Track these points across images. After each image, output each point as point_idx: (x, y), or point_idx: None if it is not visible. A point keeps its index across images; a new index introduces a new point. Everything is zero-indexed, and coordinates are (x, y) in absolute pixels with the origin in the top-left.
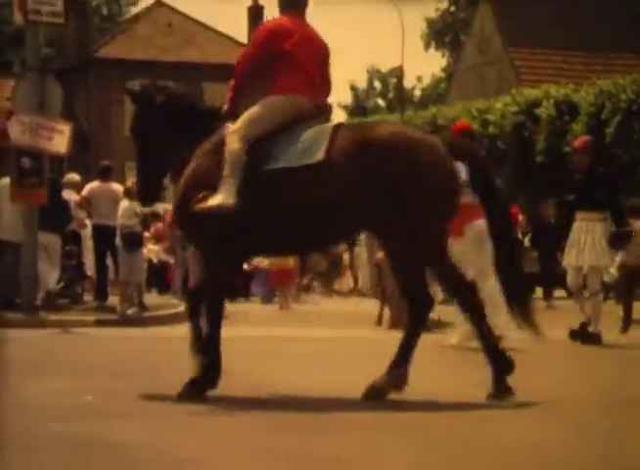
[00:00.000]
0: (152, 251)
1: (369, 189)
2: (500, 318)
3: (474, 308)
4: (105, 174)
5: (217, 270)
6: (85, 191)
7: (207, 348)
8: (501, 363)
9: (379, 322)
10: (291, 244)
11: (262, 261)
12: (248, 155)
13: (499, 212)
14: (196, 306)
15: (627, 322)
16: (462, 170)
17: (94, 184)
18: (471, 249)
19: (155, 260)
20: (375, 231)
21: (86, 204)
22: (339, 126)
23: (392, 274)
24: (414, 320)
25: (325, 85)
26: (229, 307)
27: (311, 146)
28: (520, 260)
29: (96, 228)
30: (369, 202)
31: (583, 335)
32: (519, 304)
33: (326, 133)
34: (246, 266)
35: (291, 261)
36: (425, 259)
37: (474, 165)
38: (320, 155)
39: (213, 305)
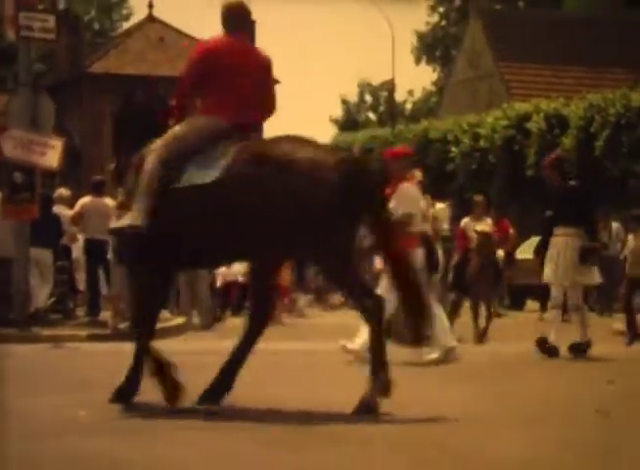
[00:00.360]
0: None
1: (262, 205)
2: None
3: (374, 321)
4: (98, 189)
5: (139, 285)
6: (78, 206)
7: (136, 357)
8: (378, 383)
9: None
10: (200, 259)
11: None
12: (164, 173)
13: (383, 233)
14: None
15: (632, 334)
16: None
17: (86, 199)
18: None
19: None
20: (270, 245)
21: (79, 219)
22: (243, 144)
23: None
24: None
25: (263, 104)
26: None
27: (214, 165)
28: (415, 276)
29: (88, 242)
30: (262, 219)
31: (543, 348)
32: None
33: (230, 152)
34: (241, 279)
35: (284, 277)
36: (330, 270)
37: (364, 186)
38: (217, 173)
39: (138, 317)
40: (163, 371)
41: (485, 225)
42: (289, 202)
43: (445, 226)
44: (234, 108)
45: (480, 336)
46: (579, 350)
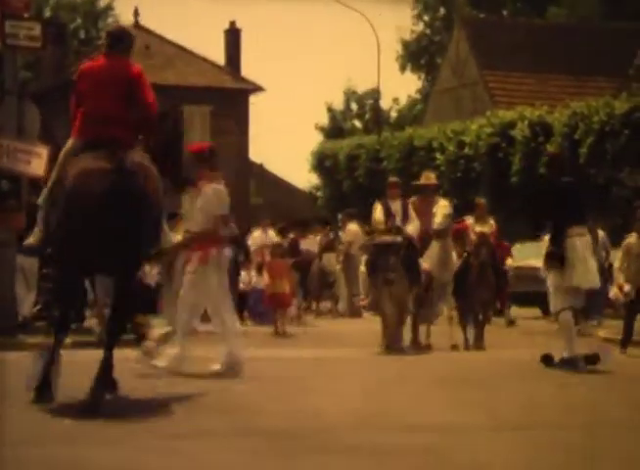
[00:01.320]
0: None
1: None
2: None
3: (115, 332)
4: None
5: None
6: None
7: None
8: (97, 393)
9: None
10: (86, 268)
11: (259, 283)
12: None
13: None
14: None
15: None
16: None
17: None
18: (213, 276)
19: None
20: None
21: None
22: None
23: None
24: None
25: (127, 120)
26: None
27: None
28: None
29: None
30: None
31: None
32: None
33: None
34: (242, 286)
35: (286, 285)
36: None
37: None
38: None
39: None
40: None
41: (487, 227)
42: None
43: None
44: (92, 124)
45: (475, 343)
46: (593, 360)
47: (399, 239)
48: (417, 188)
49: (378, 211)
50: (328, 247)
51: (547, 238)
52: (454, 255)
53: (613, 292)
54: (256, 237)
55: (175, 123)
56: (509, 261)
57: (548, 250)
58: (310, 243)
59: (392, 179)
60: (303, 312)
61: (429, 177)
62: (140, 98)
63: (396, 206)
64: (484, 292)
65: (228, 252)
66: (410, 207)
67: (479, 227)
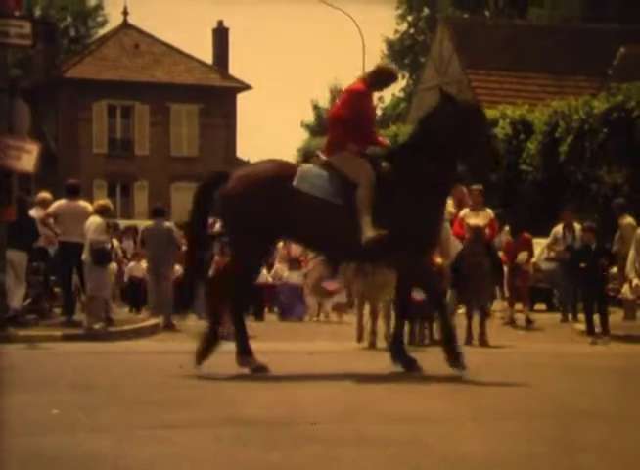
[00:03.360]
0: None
1: None
2: None
3: None
4: (72, 192)
5: None
6: (51, 208)
7: None
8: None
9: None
10: None
11: (291, 277)
12: None
13: None
14: None
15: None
16: None
17: (61, 201)
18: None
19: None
20: None
21: (47, 218)
22: None
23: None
24: None
25: None
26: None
27: None
28: None
29: (62, 245)
30: None
31: None
32: None
33: None
34: (270, 280)
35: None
36: None
37: None
38: None
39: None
40: None
41: (483, 218)
42: None
43: None
44: None
45: (479, 338)
46: None
47: None
48: None
49: None
50: None
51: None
52: (456, 241)
53: (623, 288)
54: None
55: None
56: (521, 256)
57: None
58: None
59: None
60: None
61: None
62: None
63: None
64: (476, 282)
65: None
66: None
67: (473, 219)
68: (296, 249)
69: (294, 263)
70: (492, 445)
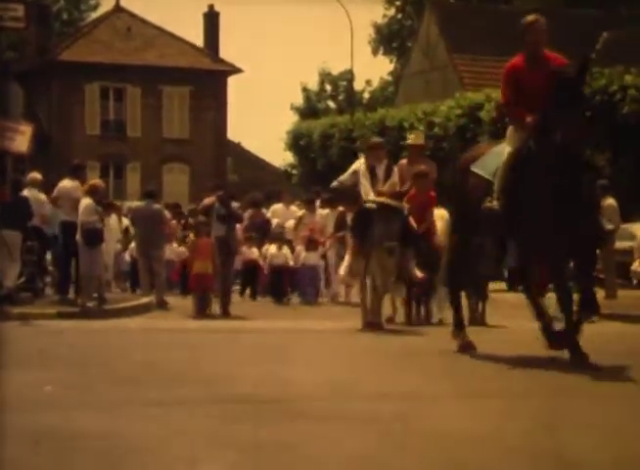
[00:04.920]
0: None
1: None
2: None
3: None
4: (74, 173)
5: None
6: (56, 190)
7: None
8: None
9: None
10: None
11: (309, 259)
12: None
13: None
14: None
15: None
16: None
17: (65, 182)
18: None
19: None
20: None
21: (56, 201)
22: None
23: None
24: None
25: None
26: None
27: None
28: None
29: (63, 224)
30: None
31: None
32: None
33: None
34: (291, 263)
35: (209, 265)
36: None
37: None
38: None
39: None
40: None
41: None
42: None
43: None
44: None
45: (477, 319)
46: None
47: (406, 206)
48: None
49: (361, 169)
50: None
51: None
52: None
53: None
54: (278, 211)
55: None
56: None
57: None
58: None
59: (376, 140)
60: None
61: (418, 137)
62: None
63: (380, 169)
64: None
65: (220, 230)
66: (395, 170)
67: None
68: (314, 229)
69: (311, 244)
70: (476, 422)
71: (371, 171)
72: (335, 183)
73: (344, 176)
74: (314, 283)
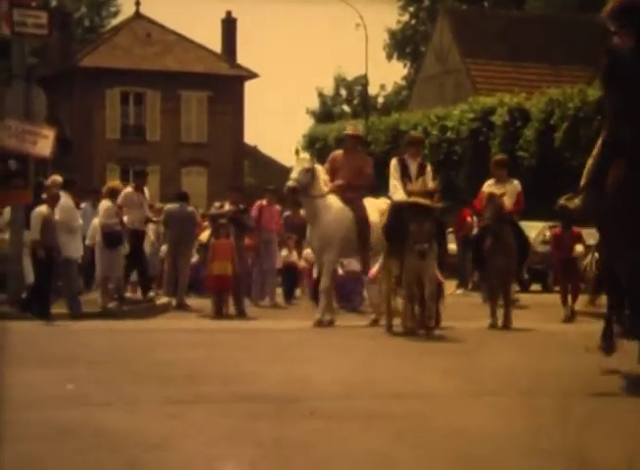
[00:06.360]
0: None
1: None
2: None
3: None
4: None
5: None
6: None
7: None
8: None
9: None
10: None
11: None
12: None
13: None
14: None
15: None
16: None
17: (128, 191)
18: None
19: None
20: None
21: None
22: None
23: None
24: None
25: None
26: None
27: None
28: None
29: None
30: None
31: None
32: None
33: None
34: (303, 263)
35: (227, 266)
36: None
37: None
38: None
39: None
40: None
41: (502, 188)
42: None
43: None
44: None
45: (504, 324)
46: None
47: (439, 205)
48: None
49: (393, 169)
50: None
51: None
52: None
53: None
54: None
55: None
56: (578, 248)
57: None
58: None
59: (417, 134)
60: None
61: (356, 128)
62: None
63: (414, 166)
64: (500, 259)
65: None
66: (428, 169)
67: (488, 188)
68: None
69: None
70: (490, 420)
71: (402, 168)
72: (291, 183)
73: (298, 175)
74: (358, 289)
